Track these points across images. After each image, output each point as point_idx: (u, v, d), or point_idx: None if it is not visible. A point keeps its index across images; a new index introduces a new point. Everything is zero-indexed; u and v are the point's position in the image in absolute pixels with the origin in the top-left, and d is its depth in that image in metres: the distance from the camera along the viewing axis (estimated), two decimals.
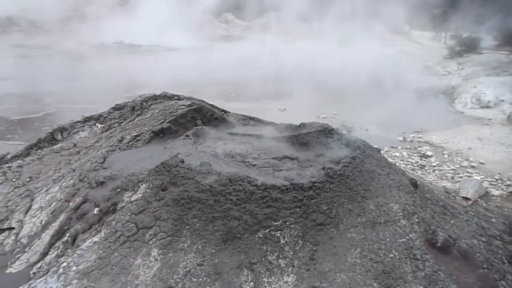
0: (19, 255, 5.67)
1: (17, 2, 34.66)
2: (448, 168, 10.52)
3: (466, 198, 8.21)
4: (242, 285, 4.31)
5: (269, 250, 4.60)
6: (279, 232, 4.71)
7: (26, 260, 5.51)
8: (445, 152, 11.80)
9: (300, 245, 4.66)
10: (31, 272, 5.19)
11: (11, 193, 7.08)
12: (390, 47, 32.76)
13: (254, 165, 6.10)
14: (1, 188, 7.20)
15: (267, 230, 4.71)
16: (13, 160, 8.39)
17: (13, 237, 6.12)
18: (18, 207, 6.68)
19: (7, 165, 8.02)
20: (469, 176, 9.86)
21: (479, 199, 8.40)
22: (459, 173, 10.17)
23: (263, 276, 4.42)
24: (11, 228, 6.30)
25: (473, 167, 10.61)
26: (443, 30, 37.81)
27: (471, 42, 28.70)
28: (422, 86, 20.19)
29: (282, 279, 4.41)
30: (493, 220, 6.50)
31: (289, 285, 4.37)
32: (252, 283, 4.34)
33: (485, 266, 5.15)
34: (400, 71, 22.07)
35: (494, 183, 9.56)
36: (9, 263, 5.54)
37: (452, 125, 14.56)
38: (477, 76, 20.41)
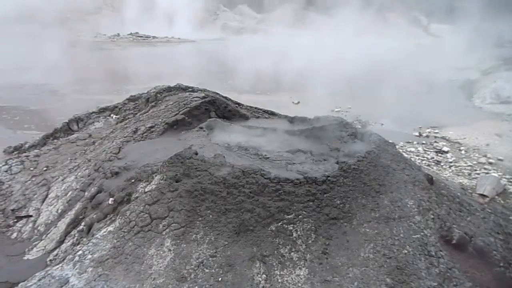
0: (36, 243, 5.80)
1: None
2: (465, 164, 10.32)
3: (483, 195, 8.04)
4: (254, 277, 4.32)
5: (281, 243, 4.59)
6: (292, 225, 4.70)
7: (43, 248, 5.64)
8: (462, 148, 11.58)
9: (313, 239, 4.64)
10: (48, 259, 5.32)
11: (29, 181, 7.22)
12: (407, 40, 32.15)
13: (268, 158, 6.08)
14: (19, 177, 7.35)
15: (279, 223, 4.70)
16: (31, 149, 8.56)
17: (30, 225, 6.26)
18: (35, 196, 6.81)
19: (24, 154, 8.18)
20: (487, 173, 9.66)
21: (496, 197, 8.23)
22: (476, 170, 9.97)
23: (275, 268, 4.42)
24: (28, 216, 6.44)
25: (490, 163, 10.39)
26: (462, 23, 36.94)
27: (492, 36, 27.98)
28: (439, 80, 19.79)
29: (294, 272, 4.41)
30: (511, 217, 6.36)
31: (301, 278, 4.36)
32: (264, 275, 4.35)
33: (501, 264, 5.06)
34: (417, 65, 21.66)
35: None
36: (26, 250, 5.68)
37: (470, 120, 14.25)
38: (497, 70, 19.90)
